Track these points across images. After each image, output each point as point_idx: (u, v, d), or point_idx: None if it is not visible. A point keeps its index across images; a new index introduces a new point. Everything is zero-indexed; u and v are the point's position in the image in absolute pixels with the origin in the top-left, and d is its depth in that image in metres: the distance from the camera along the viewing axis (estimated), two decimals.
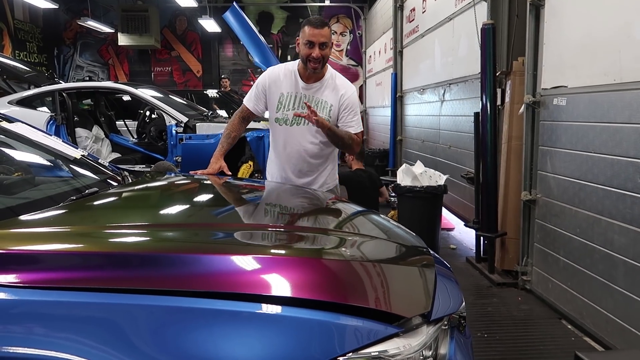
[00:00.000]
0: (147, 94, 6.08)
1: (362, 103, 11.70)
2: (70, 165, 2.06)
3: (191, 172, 2.57)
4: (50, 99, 5.89)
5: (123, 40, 12.10)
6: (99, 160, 2.28)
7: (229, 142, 2.70)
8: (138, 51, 13.27)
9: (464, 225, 4.43)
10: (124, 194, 1.95)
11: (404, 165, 4.32)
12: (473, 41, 4.37)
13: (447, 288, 1.49)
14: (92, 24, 11.62)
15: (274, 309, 1.11)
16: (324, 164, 2.71)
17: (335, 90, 2.58)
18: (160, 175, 2.46)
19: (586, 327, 2.86)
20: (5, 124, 1.97)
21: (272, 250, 1.44)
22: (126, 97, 7.50)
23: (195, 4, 10.62)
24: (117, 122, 7.09)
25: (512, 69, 3.75)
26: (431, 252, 1.71)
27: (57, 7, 10.41)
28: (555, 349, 2.79)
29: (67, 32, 13.38)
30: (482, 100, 3.80)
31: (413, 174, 4.16)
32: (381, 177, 4.98)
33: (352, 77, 12.19)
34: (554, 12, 3.20)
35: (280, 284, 1.20)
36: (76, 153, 2.16)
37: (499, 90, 3.86)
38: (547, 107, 3.25)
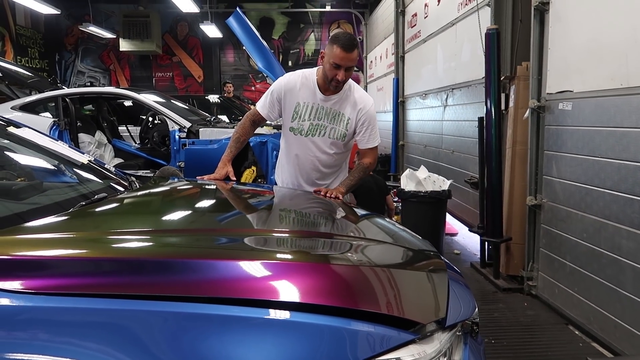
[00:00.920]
0: (149, 99, 6.07)
1: None
2: (78, 171, 2.05)
3: (198, 178, 2.56)
4: (53, 104, 5.88)
5: (124, 45, 12.10)
6: (106, 166, 2.27)
7: (237, 146, 2.68)
8: (139, 57, 13.28)
9: (469, 230, 4.41)
10: (134, 200, 1.94)
11: (407, 170, 4.31)
12: (476, 46, 4.38)
13: (459, 293, 1.48)
14: (93, 29, 11.64)
15: (284, 315, 1.09)
16: (336, 172, 2.72)
17: (354, 104, 2.56)
18: (167, 181, 2.46)
19: (594, 332, 2.85)
20: (13, 129, 1.97)
21: (283, 256, 1.43)
22: (128, 103, 7.50)
23: (196, 10, 10.63)
24: (119, 128, 7.09)
25: (516, 73, 3.76)
26: (442, 257, 1.70)
27: (58, 12, 10.43)
28: (564, 355, 2.78)
29: (69, 38, 13.40)
30: (486, 105, 3.80)
31: (417, 179, 4.16)
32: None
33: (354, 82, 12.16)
34: (558, 17, 3.20)
35: (290, 290, 1.19)
36: (83, 158, 2.15)
37: (502, 95, 3.86)
38: (552, 111, 3.25)
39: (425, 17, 6.43)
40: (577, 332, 2.98)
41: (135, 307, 1.06)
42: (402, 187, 4.15)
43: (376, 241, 1.71)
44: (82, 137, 6.05)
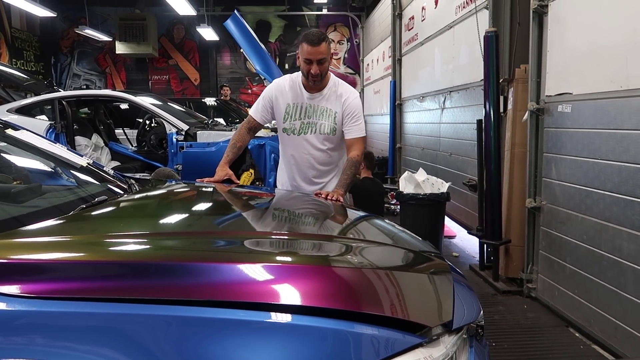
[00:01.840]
0: (147, 101, 6.05)
1: None
2: (77, 174, 2.03)
3: (197, 180, 2.55)
4: (50, 107, 5.86)
5: (120, 48, 12.08)
6: (104, 168, 2.25)
7: (234, 152, 2.75)
8: (135, 59, 13.24)
9: (468, 232, 4.41)
10: (134, 203, 1.93)
11: (406, 173, 4.31)
12: (474, 49, 4.38)
13: (464, 296, 1.47)
14: (89, 32, 11.60)
15: (287, 318, 1.08)
16: (332, 171, 2.77)
17: (339, 97, 2.66)
18: (164, 183, 2.44)
19: (594, 334, 2.84)
20: (11, 132, 1.95)
21: (287, 258, 1.42)
22: (124, 106, 7.48)
23: (193, 13, 10.61)
24: (116, 131, 7.06)
25: (514, 76, 3.76)
26: (445, 259, 1.69)
27: (54, 15, 10.37)
28: (565, 358, 2.77)
29: (65, 41, 13.34)
30: (485, 107, 3.80)
31: (415, 182, 4.15)
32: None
33: (350, 85, 12.16)
34: (557, 20, 3.20)
35: (293, 293, 1.17)
36: (82, 161, 2.13)
37: (501, 98, 3.86)
38: (551, 114, 3.25)
39: (422, 20, 6.44)
40: (577, 335, 2.97)
41: (136, 311, 1.05)
42: (400, 189, 4.14)
43: (379, 243, 1.69)
44: (79, 140, 6.03)
